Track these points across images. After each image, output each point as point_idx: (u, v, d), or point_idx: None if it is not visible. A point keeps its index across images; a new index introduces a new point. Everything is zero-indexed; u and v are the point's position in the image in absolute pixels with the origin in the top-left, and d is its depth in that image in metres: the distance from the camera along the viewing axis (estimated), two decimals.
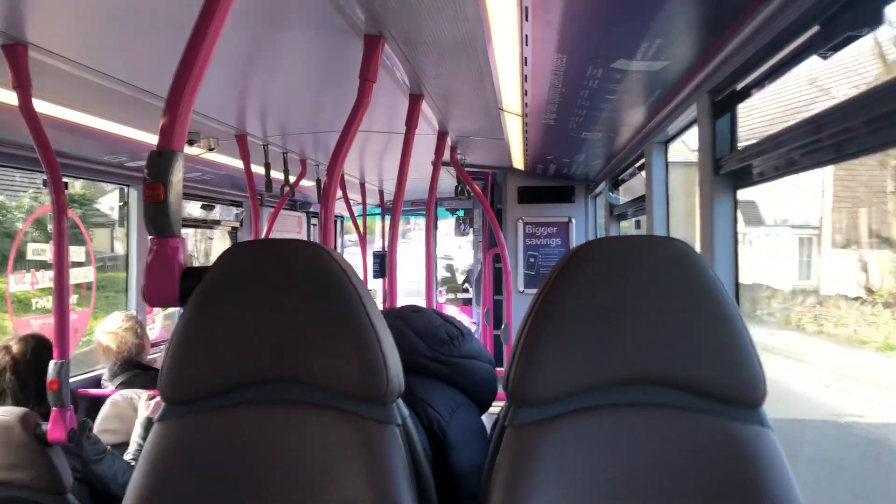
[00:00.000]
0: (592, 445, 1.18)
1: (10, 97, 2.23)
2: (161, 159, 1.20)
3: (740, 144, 2.09)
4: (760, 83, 1.90)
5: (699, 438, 1.17)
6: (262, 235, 4.34)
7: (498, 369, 5.22)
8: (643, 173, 3.16)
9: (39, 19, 1.95)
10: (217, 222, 5.84)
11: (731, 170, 2.03)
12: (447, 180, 5.00)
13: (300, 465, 1.15)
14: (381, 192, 7.01)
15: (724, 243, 2.07)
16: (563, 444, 1.17)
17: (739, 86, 1.97)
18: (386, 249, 7.17)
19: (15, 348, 2.47)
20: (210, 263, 1.25)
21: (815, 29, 1.45)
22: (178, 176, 1.21)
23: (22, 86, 2.14)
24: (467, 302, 7.89)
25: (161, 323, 5.04)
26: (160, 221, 1.20)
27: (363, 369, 1.17)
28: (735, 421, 1.18)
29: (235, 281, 1.21)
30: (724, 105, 2.07)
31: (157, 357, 3.86)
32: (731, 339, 1.18)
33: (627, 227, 4.31)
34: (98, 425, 2.96)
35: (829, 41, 1.39)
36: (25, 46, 2.08)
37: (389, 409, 1.20)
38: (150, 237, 1.22)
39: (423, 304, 3.90)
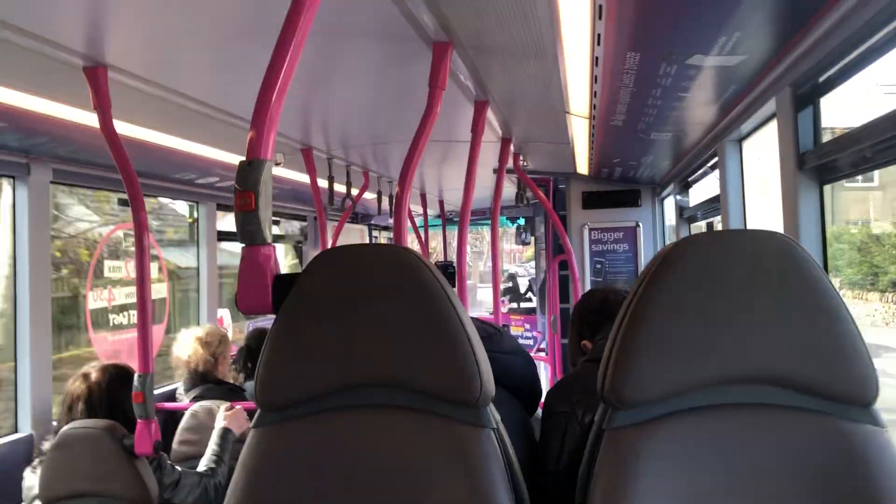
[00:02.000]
0: (695, 448, 1.14)
1: (91, 118, 2.29)
2: (251, 168, 1.21)
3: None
4: (846, 74, 1.83)
5: (808, 438, 1.12)
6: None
7: None
8: (716, 173, 3.09)
9: (119, 41, 2.01)
10: (282, 237, 5.93)
11: (815, 165, 1.96)
12: (507, 188, 4.99)
13: (397, 469, 1.14)
14: (441, 203, 7.03)
15: (810, 242, 2.00)
16: (664, 448, 1.13)
17: (823, 77, 1.90)
18: (449, 260, 7.18)
19: (93, 377, 2.51)
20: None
21: None
22: (267, 184, 1.22)
23: (102, 107, 2.20)
24: (531, 311, 7.83)
25: (231, 337, 5.13)
26: (251, 229, 1.21)
27: (458, 373, 1.16)
28: (846, 420, 1.13)
29: (327, 287, 1.21)
30: (806, 98, 2.00)
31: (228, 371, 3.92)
32: (839, 335, 1.13)
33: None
34: (178, 436, 3.01)
35: None
36: (105, 68, 2.14)
37: (484, 413, 1.18)
38: (241, 245, 1.23)
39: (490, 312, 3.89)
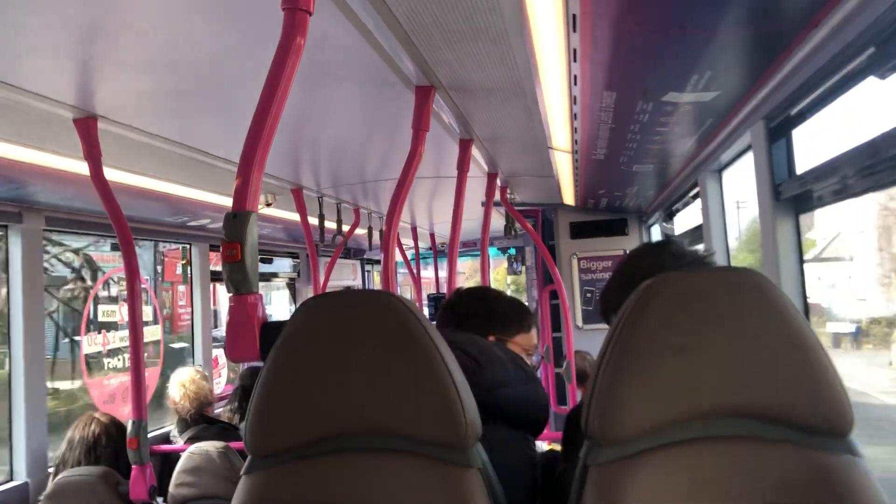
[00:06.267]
0: (678, 482, 1.16)
1: (82, 167, 2.33)
2: (237, 220, 1.25)
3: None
4: (817, 106, 1.88)
5: (788, 470, 1.14)
6: (321, 285, 4.41)
7: (561, 407, 5.11)
8: (699, 202, 3.14)
9: (109, 93, 2.06)
10: (274, 275, 5.95)
11: (791, 195, 2.01)
12: (496, 219, 5.04)
13: None
14: (432, 236, 7.07)
15: (789, 271, 2.04)
16: (648, 483, 1.15)
17: (795, 110, 1.96)
18: (442, 292, 7.20)
19: (104, 419, 2.55)
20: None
21: (871, 50, 1.45)
22: (253, 235, 1.25)
23: (93, 156, 2.24)
24: None
25: (227, 377, 5.12)
26: (238, 279, 1.25)
27: (442, 414, 1.18)
28: (824, 451, 1.15)
29: (313, 333, 1.24)
30: (779, 130, 2.05)
31: (220, 411, 3.93)
32: (812, 367, 1.16)
33: None
34: (175, 479, 3.01)
35: (888, 61, 1.39)
36: (96, 119, 2.18)
37: (470, 453, 1.20)
38: (229, 294, 1.26)
39: None
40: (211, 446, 3.02)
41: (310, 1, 1.32)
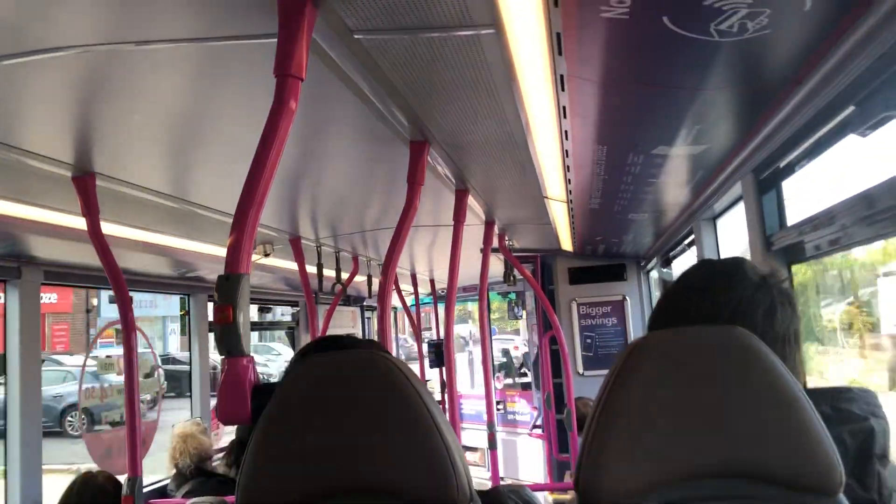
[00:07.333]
0: None
1: (80, 223, 2.35)
2: (229, 283, 1.25)
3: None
4: (804, 160, 1.91)
5: None
6: (319, 333, 4.41)
7: (563, 455, 5.06)
8: (694, 248, 3.16)
9: (106, 151, 2.09)
10: (274, 324, 5.94)
11: (782, 246, 2.02)
12: (496, 265, 5.05)
13: None
14: (432, 282, 7.08)
15: None
16: None
17: (783, 163, 1.98)
18: (442, 338, 7.18)
19: (101, 477, 2.54)
20: None
21: (850, 109, 1.47)
22: (245, 297, 1.26)
23: (90, 212, 2.26)
24: (526, 386, 7.78)
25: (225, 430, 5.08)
26: (230, 342, 1.25)
27: (432, 474, 1.17)
28: None
29: (303, 396, 1.23)
30: (769, 182, 2.08)
31: (217, 464, 3.89)
32: (801, 426, 1.16)
33: None
34: None
35: (866, 121, 1.41)
36: (93, 176, 2.21)
37: None
38: (221, 357, 1.27)
39: (480, 391, 3.87)
40: (207, 501, 2.98)
41: (301, 68, 1.33)
